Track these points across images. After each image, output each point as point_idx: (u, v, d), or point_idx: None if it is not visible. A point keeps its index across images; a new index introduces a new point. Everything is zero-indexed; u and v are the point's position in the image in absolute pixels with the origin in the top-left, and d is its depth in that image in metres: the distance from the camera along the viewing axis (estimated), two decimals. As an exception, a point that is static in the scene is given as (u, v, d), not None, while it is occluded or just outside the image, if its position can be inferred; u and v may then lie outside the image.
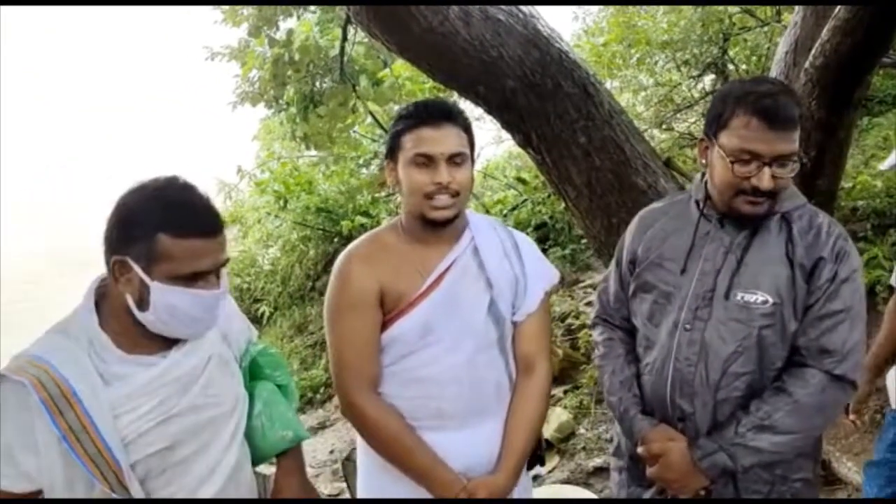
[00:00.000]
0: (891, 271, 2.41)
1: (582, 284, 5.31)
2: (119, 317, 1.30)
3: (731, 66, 6.49)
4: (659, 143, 6.25)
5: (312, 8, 5.89)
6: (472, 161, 1.61)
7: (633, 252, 1.68)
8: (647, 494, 1.64)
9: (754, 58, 6.26)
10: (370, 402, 1.58)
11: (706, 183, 1.58)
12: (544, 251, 3.97)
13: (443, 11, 2.41)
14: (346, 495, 3.89)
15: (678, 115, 6.82)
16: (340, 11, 4.87)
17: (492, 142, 7.56)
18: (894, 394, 2.19)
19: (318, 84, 5.60)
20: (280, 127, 7.09)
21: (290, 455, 1.57)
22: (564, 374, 4.34)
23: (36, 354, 1.25)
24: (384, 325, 1.59)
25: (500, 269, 1.65)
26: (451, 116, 1.56)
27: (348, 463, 2.22)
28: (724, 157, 1.47)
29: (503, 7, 2.53)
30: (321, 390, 5.78)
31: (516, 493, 1.65)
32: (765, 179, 1.43)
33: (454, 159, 1.54)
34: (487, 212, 6.22)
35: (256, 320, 7.05)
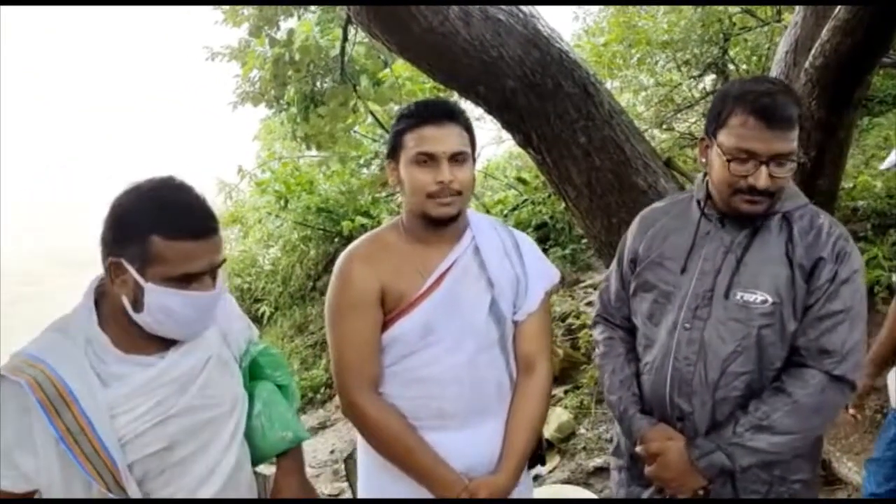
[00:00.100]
0: (891, 271, 2.42)
1: (582, 284, 5.31)
2: (117, 317, 1.30)
3: (731, 66, 6.49)
4: (659, 143, 6.25)
5: (313, 8, 5.90)
6: (474, 160, 1.61)
7: (635, 251, 1.68)
8: (646, 494, 1.64)
9: (755, 58, 6.26)
10: (371, 402, 1.58)
11: (707, 182, 1.58)
12: (545, 251, 3.97)
13: (443, 11, 2.41)
14: (347, 495, 3.89)
15: (678, 116, 6.82)
16: (341, 11, 4.87)
17: (492, 142, 7.57)
18: (895, 394, 2.20)
19: (318, 84, 5.60)
20: (281, 127, 7.10)
21: (289, 455, 1.57)
22: (565, 374, 4.34)
23: (33, 353, 1.25)
24: (385, 325, 1.59)
25: (501, 268, 1.64)
26: (453, 115, 1.56)
27: (350, 461, 2.22)
28: (721, 155, 1.47)
29: (503, 7, 2.53)
30: (321, 390, 5.78)
31: (517, 493, 1.65)
32: (761, 178, 1.42)
33: (456, 158, 1.54)
34: (488, 212, 6.23)
35: (257, 320, 7.05)
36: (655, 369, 1.59)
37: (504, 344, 1.65)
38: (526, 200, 6.55)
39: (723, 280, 1.52)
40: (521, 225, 6.08)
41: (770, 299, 1.48)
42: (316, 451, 4.68)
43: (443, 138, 1.53)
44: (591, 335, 1.93)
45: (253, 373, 1.57)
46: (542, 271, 1.71)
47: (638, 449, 1.59)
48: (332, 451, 4.65)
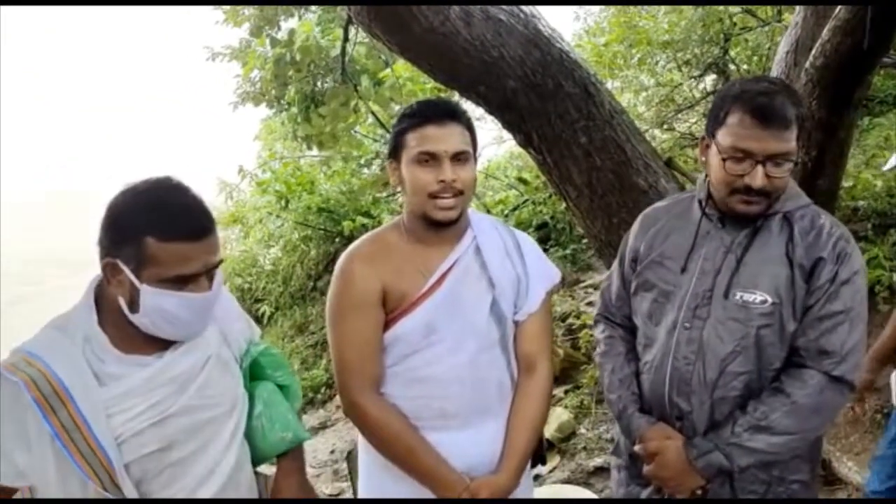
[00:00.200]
0: (892, 271, 2.42)
1: (583, 284, 5.32)
2: (115, 317, 1.30)
3: (732, 67, 6.49)
4: (660, 143, 6.26)
5: (314, 8, 5.91)
6: (475, 160, 1.61)
7: (636, 250, 1.69)
8: (645, 493, 1.65)
9: (755, 58, 6.26)
10: (372, 402, 1.58)
11: (708, 182, 1.58)
12: (545, 251, 3.97)
13: (444, 11, 2.41)
14: (347, 495, 3.89)
15: (679, 116, 6.83)
16: (342, 11, 4.88)
17: (493, 142, 7.58)
18: (896, 393, 2.21)
19: (319, 84, 5.60)
20: (281, 127, 7.11)
21: (290, 456, 1.57)
22: (565, 373, 4.34)
23: (30, 351, 1.25)
24: (386, 325, 1.59)
25: (502, 268, 1.65)
26: (455, 115, 1.56)
27: (352, 457, 2.22)
28: (718, 154, 1.47)
29: (504, 7, 2.53)
30: (322, 390, 5.78)
31: (518, 493, 1.65)
32: (757, 178, 1.42)
33: (458, 157, 1.54)
34: (489, 212, 6.23)
35: (257, 320, 7.05)
36: (655, 368, 1.59)
37: (505, 344, 1.65)
38: (527, 200, 6.56)
39: (722, 280, 1.52)
40: (522, 225, 6.09)
41: (769, 299, 1.47)
42: (316, 451, 4.68)
43: (445, 138, 1.53)
44: (591, 335, 1.93)
45: (254, 373, 1.57)
46: (543, 271, 1.71)
47: (636, 448, 1.59)
48: (332, 451, 4.65)
